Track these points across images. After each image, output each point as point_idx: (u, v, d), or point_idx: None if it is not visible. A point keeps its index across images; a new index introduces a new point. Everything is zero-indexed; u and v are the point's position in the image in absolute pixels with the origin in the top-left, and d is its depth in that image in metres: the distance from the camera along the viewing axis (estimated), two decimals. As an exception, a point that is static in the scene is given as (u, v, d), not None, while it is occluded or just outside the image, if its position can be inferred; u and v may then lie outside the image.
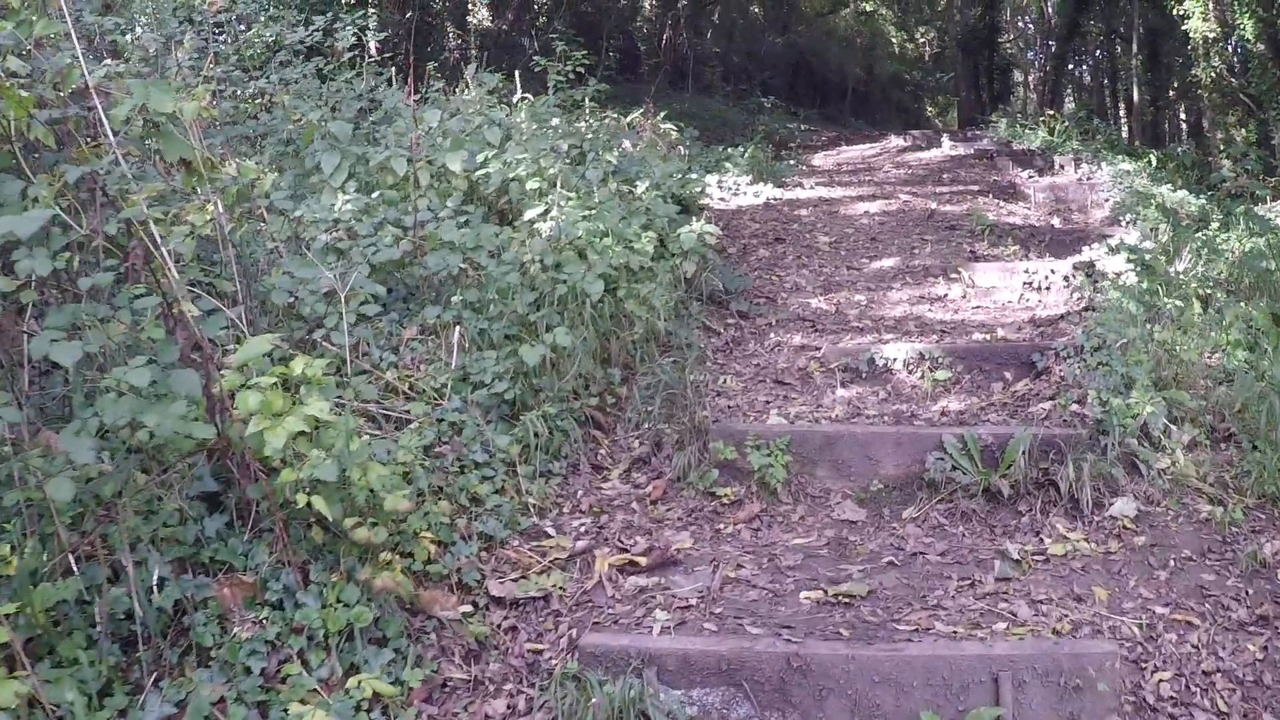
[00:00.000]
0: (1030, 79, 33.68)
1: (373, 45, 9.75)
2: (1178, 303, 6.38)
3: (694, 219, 7.36)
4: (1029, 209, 11.24)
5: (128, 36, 7.58)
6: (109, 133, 4.26)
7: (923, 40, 37.52)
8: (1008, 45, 31.10)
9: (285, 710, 2.99)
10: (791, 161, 15.24)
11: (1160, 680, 3.30)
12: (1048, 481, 4.39)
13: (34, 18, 3.52)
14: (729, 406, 5.42)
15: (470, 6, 21.47)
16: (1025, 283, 7.62)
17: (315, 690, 3.10)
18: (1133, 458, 4.48)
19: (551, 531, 4.20)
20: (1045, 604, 3.65)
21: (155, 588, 3.15)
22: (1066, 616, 3.56)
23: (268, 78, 7.91)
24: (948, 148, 17.20)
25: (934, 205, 10.91)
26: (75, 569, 3.10)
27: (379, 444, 3.69)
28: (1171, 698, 3.24)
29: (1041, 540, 4.14)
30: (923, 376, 5.70)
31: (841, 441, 4.64)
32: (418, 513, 3.80)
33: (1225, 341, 5.70)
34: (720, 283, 7.11)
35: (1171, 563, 3.99)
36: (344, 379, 3.94)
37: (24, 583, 2.92)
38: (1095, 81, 31.37)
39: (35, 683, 2.73)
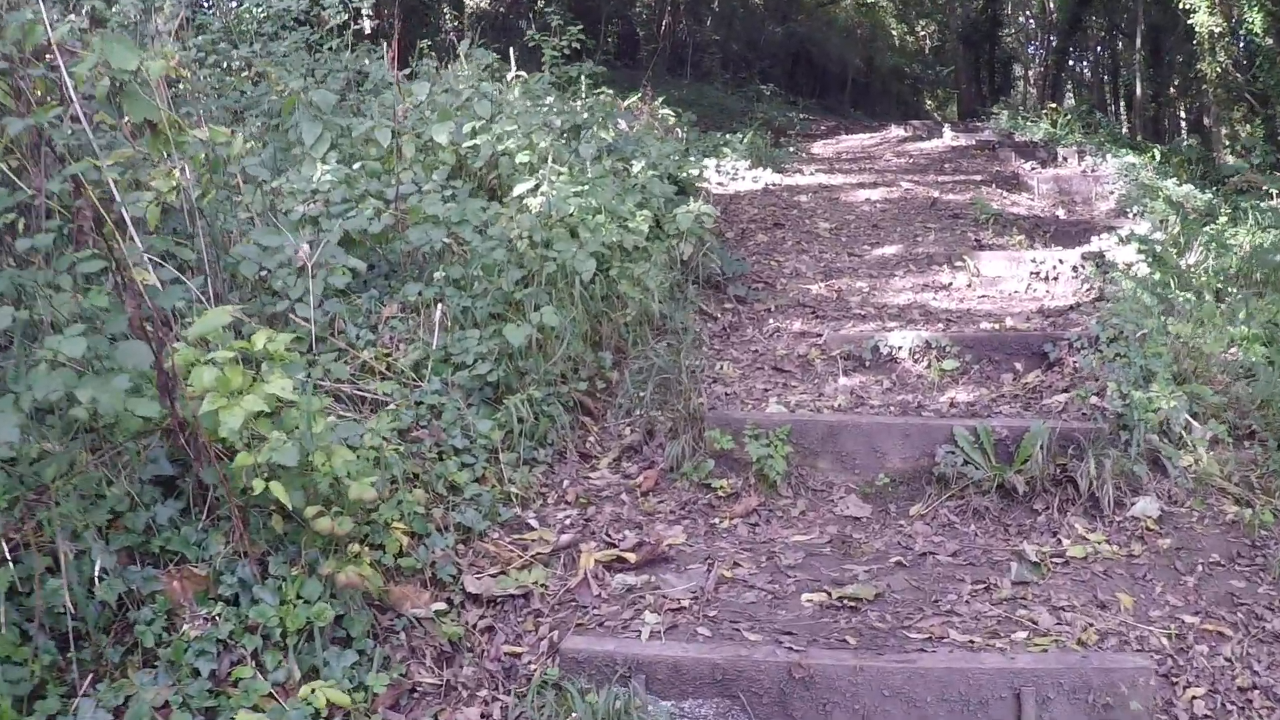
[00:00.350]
0: (1030, 74, 33.38)
1: (366, 25, 9.43)
2: (1190, 295, 6.14)
3: (692, 200, 7.08)
4: (1033, 200, 10.99)
5: (114, 7, 7.26)
6: (70, 92, 3.97)
7: (923, 33, 37.18)
8: (1009, 39, 30.81)
9: (234, 717, 2.71)
10: (791, 149, 14.94)
11: (1193, 697, 3.03)
12: (1065, 478, 4.12)
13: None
14: (726, 394, 5.14)
15: (467, -13, 21.11)
16: (1033, 272, 7.36)
17: (270, 695, 2.82)
18: (1155, 454, 4.22)
19: (534, 523, 3.91)
20: (1067, 611, 3.38)
21: (97, 579, 2.86)
22: (1091, 625, 3.28)
23: (252, 48, 7.58)
24: (949, 138, 16.91)
25: (936, 194, 10.63)
26: (8, 558, 2.82)
27: (348, 427, 3.41)
28: (1206, 716, 2.97)
29: (1059, 541, 3.87)
30: (929, 366, 5.42)
31: (845, 432, 4.36)
32: (390, 501, 3.52)
33: (1243, 336, 5.46)
34: (718, 266, 6.83)
35: (1199, 568, 3.73)
36: (313, 357, 3.65)
37: (-52, 573, 2.64)
38: (1095, 77, 31.09)
39: (-46, 684, 2.45)
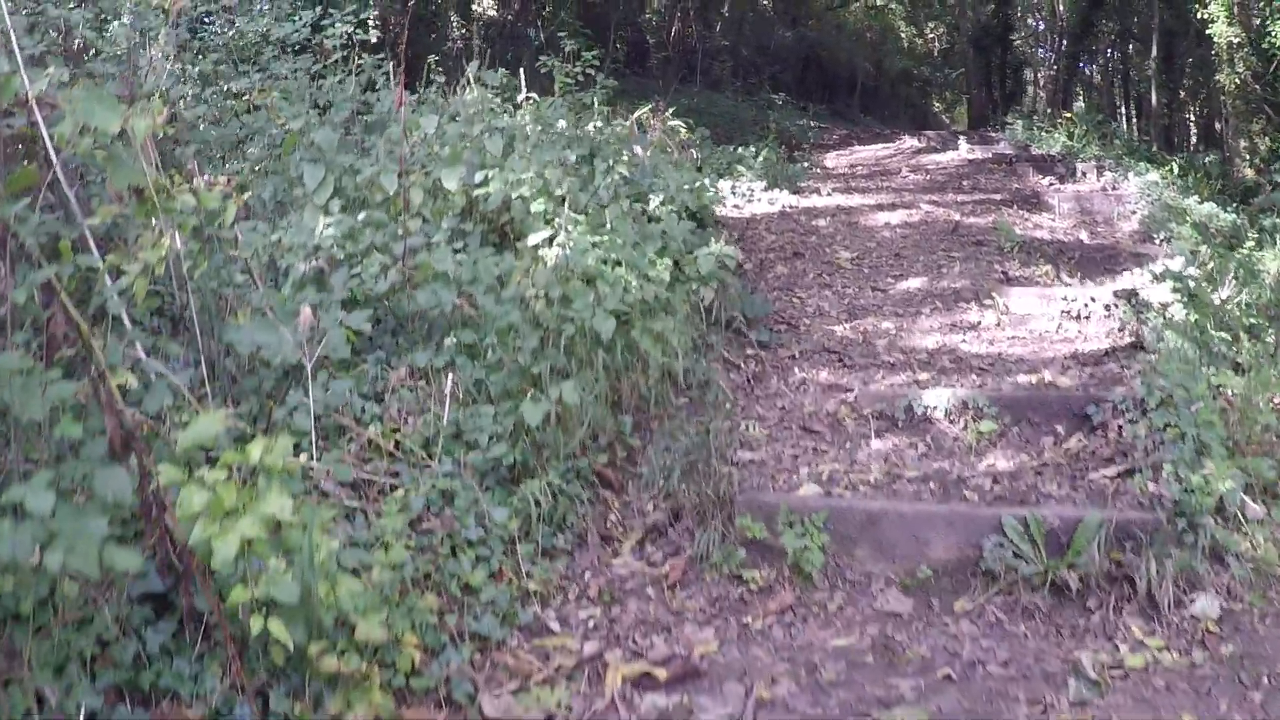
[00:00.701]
0: (1040, 77, 33.07)
1: (372, 36, 9.16)
2: (1226, 336, 5.86)
3: (710, 235, 6.81)
4: (1054, 220, 10.74)
5: (106, 33, 6.98)
6: (51, 155, 3.71)
7: (932, 35, 36.86)
8: (1020, 43, 30.49)
9: None
10: (805, 164, 14.66)
11: None
12: (1121, 575, 3.84)
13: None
14: (753, 462, 4.86)
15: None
16: (1063, 310, 7.11)
17: None
18: (1216, 547, 3.93)
19: (555, 625, 3.64)
20: (1134, 740, 3.11)
21: (82, 726, 2.60)
22: (1164, 763, 3.01)
23: (250, 75, 7.30)
24: (965, 150, 16.64)
25: (958, 216, 10.35)
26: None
27: (353, 553, 3.13)
28: None
29: (1116, 648, 3.58)
30: (965, 427, 5.14)
31: (885, 519, 4.07)
32: (401, 608, 3.25)
33: (1286, 378, 5.14)
34: (740, 310, 6.54)
35: (1265, 680, 3.44)
36: (311, 464, 3.37)
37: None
38: (1105, 81, 30.75)
39: None
